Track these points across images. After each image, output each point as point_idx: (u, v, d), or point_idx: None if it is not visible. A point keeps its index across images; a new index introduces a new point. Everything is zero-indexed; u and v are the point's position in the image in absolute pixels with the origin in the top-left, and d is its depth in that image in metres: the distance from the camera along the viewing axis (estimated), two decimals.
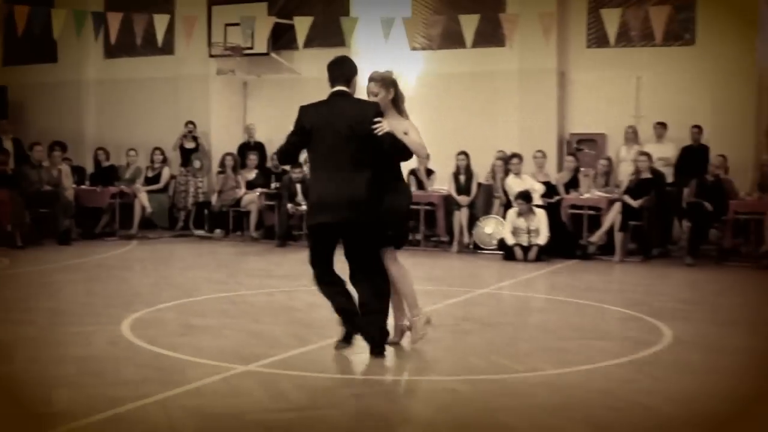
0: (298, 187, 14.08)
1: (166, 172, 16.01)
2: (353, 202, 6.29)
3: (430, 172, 14.38)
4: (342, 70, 6.56)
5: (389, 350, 6.56)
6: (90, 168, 16.60)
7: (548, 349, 6.89)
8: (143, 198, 15.19)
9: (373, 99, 6.56)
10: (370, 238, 6.42)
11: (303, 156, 15.19)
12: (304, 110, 6.55)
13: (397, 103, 6.66)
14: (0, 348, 6.51)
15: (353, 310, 6.52)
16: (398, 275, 6.58)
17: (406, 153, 6.51)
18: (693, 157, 13.66)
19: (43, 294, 9.18)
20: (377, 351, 6.41)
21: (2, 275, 10.63)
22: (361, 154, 6.32)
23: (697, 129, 13.80)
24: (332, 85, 6.53)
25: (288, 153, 6.92)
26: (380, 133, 6.22)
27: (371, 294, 6.43)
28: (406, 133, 6.46)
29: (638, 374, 6.02)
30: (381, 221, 6.42)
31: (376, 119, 6.25)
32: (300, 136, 6.55)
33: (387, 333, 6.59)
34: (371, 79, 6.65)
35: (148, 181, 15.82)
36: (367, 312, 6.44)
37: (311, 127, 6.44)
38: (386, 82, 6.64)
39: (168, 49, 16.88)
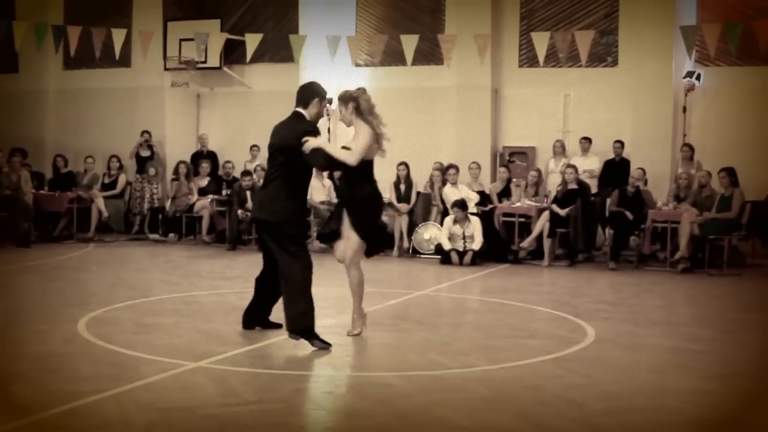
0: (248, 194, 13.98)
1: (122, 179, 15.82)
2: (266, 204, 6.82)
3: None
4: (302, 94, 6.99)
5: (331, 348, 6.59)
6: (49, 174, 16.31)
7: (481, 346, 6.93)
8: (100, 203, 14.97)
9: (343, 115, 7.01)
10: (280, 238, 6.76)
11: (252, 165, 15.30)
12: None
13: (360, 113, 6.92)
14: None
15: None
16: (358, 279, 7.05)
17: (335, 163, 6.87)
18: (615, 169, 13.87)
19: (1, 294, 9.01)
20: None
21: None
22: (285, 165, 6.76)
23: (619, 144, 14.01)
24: (295, 106, 6.97)
25: None
26: (306, 150, 6.63)
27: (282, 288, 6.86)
28: (344, 147, 6.96)
29: (564, 370, 6.08)
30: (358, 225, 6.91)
31: (304, 137, 6.65)
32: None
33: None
34: (339, 99, 7.03)
35: (105, 187, 15.60)
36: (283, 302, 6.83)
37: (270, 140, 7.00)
38: (343, 98, 6.99)
39: (125, 61, 16.68)
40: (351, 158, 6.75)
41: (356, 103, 6.91)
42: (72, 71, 17.99)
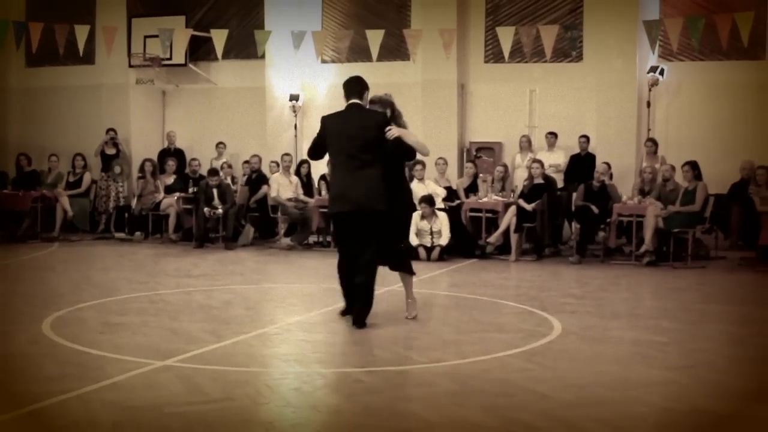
0: (215, 191, 13.92)
1: (87, 177, 15.66)
2: (363, 194, 7.17)
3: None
4: (356, 87, 7.47)
5: (297, 344, 6.53)
6: (12, 173, 16.11)
7: (449, 341, 6.96)
8: (65, 202, 14.83)
9: None
10: (378, 227, 7.22)
11: (218, 162, 15.24)
12: (324, 118, 7.53)
13: (395, 119, 7.46)
14: None
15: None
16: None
17: (411, 152, 7.45)
18: (581, 164, 13.97)
19: None
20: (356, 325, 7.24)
21: None
22: (368, 154, 7.20)
23: (585, 139, 14.12)
24: (348, 99, 7.45)
25: (313, 152, 7.71)
26: (390, 137, 7.12)
27: (360, 283, 7.25)
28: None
29: (531, 363, 6.12)
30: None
31: (387, 126, 7.17)
32: (320, 139, 7.49)
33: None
34: (372, 102, 7.51)
35: (70, 185, 15.45)
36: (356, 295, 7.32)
37: (329, 132, 7.39)
38: (384, 103, 7.51)
39: (89, 58, 16.52)
40: (426, 149, 7.48)
41: (392, 109, 7.46)
42: (34, 68, 17.80)
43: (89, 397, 5.06)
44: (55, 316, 7.59)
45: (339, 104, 16.30)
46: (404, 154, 7.45)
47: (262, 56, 15.16)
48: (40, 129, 17.55)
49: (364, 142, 7.20)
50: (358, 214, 7.20)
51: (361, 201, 7.17)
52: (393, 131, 7.13)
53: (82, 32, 14.50)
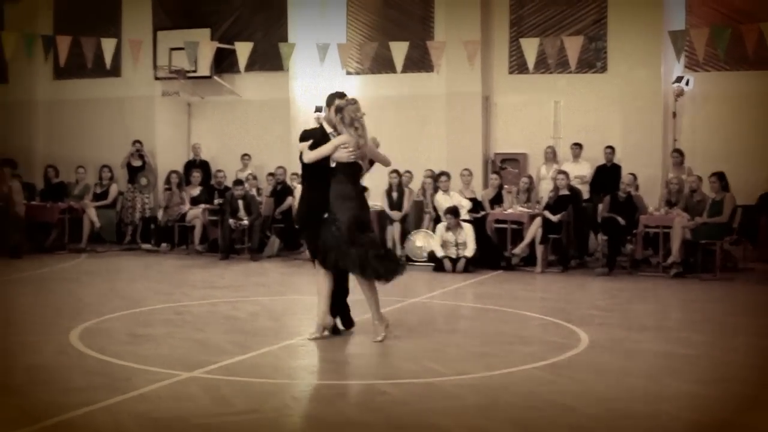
0: (240, 203, 13.96)
1: (114, 189, 15.77)
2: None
3: (364, 189, 14.42)
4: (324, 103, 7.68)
5: (324, 356, 6.52)
6: (40, 185, 16.26)
7: (474, 353, 6.92)
8: (92, 213, 14.93)
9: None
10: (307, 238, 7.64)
11: (243, 174, 15.31)
12: None
13: (342, 122, 7.27)
14: None
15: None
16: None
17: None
18: (606, 175, 13.87)
19: None
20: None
21: None
22: (302, 171, 7.61)
23: (610, 149, 14.03)
24: None
25: None
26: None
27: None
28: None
29: (558, 376, 6.07)
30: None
31: (303, 143, 7.41)
32: None
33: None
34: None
35: (97, 197, 15.56)
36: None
37: None
38: (330, 105, 7.46)
39: (115, 71, 16.65)
40: (305, 156, 7.33)
41: (341, 114, 7.26)
42: (62, 81, 17.96)
43: (117, 408, 5.08)
44: (82, 327, 7.63)
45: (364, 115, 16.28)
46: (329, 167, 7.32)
47: (287, 68, 15.24)
48: (67, 141, 17.70)
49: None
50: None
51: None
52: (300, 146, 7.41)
53: (108, 45, 14.60)
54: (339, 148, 7.21)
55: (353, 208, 7.23)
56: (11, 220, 13.57)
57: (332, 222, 7.15)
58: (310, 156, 7.26)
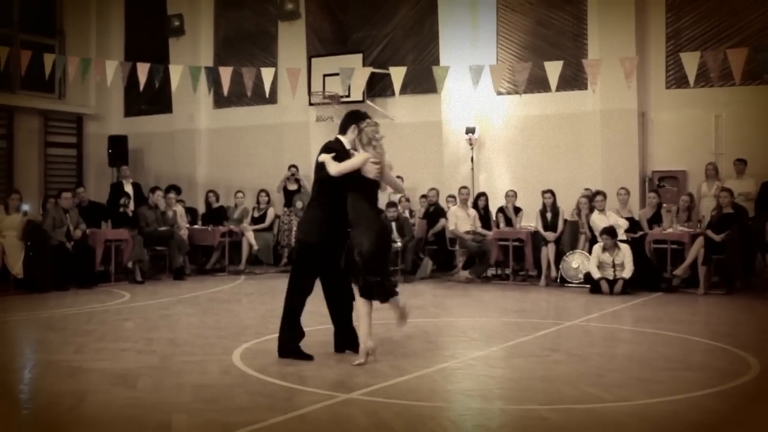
0: (393, 225, 14.10)
1: (271, 212, 16.26)
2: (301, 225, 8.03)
3: (517, 210, 14.36)
4: (344, 121, 7.54)
5: (480, 380, 6.48)
6: (202, 209, 16.97)
7: (636, 379, 6.71)
8: (250, 236, 15.44)
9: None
10: (300, 254, 7.79)
11: (397, 196, 15.45)
12: None
13: (360, 141, 7.30)
14: (125, 375, 6.64)
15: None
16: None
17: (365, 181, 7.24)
18: None
19: (161, 325, 9.37)
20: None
21: (124, 308, 10.89)
22: (314, 191, 7.78)
23: None
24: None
25: None
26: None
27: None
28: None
29: (726, 405, 5.81)
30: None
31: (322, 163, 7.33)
32: None
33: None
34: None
35: (255, 220, 16.09)
36: None
37: None
38: (352, 125, 7.42)
39: (271, 98, 17.22)
40: (332, 168, 7.18)
41: (360, 134, 7.27)
42: (221, 110, 18.74)
43: (278, 428, 5.19)
44: (243, 347, 7.88)
45: (516, 135, 16.36)
46: (349, 183, 7.22)
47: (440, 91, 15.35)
48: (226, 166, 18.45)
49: (314, 180, 7.61)
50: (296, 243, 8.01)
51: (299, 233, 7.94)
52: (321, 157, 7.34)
53: (268, 74, 15.13)
54: (368, 161, 7.16)
55: (373, 236, 7.16)
56: (176, 243, 14.22)
57: (352, 249, 7.19)
58: (340, 168, 7.16)
